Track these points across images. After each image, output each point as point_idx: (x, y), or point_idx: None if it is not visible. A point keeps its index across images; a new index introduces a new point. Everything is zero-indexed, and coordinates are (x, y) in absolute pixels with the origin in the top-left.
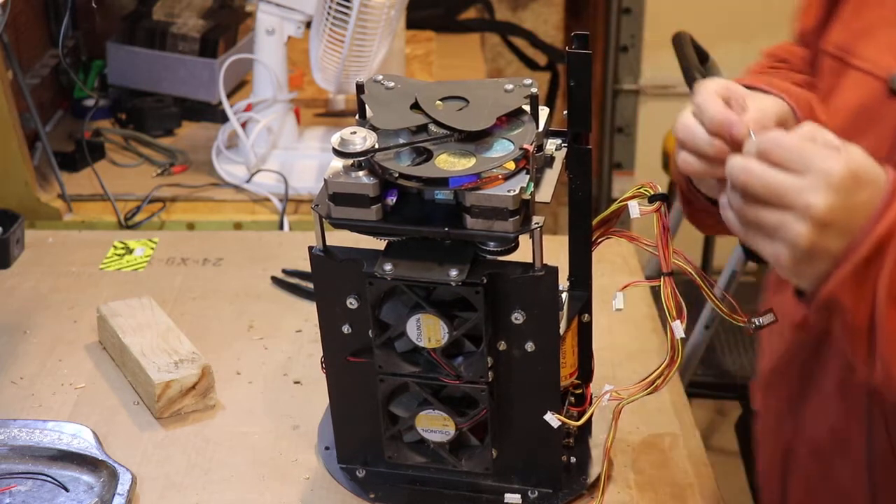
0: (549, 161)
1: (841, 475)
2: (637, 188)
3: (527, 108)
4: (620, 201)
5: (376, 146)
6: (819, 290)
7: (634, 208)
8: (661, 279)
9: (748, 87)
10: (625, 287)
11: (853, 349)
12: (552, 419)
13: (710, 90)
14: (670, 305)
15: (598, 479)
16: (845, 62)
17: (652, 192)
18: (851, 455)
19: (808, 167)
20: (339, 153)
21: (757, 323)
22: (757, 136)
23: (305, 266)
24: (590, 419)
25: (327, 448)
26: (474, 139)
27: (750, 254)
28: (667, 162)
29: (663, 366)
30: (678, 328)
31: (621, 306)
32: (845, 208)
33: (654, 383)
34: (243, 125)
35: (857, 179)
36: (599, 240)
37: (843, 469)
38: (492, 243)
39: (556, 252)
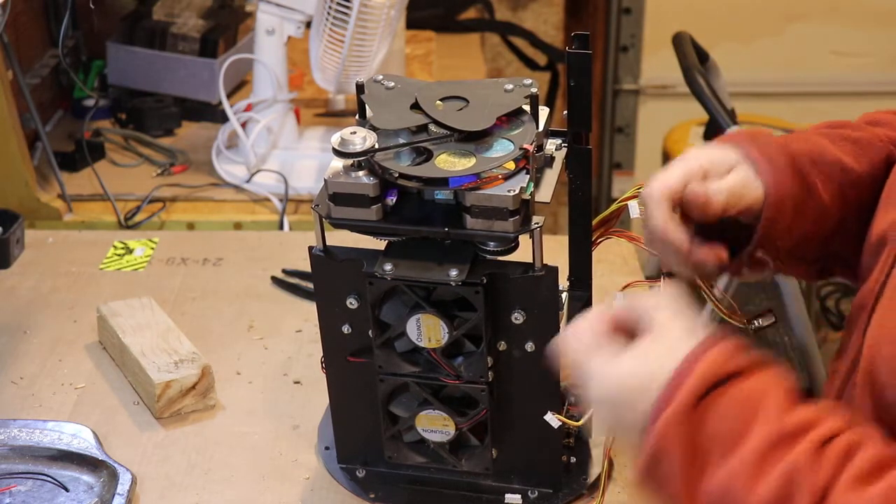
0: (549, 161)
1: None
2: (637, 188)
3: (527, 108)
4: (620, 201)
5: (376, 146)
6: None
7: (634, 208)
8: (661, 279)
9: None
10: (625, 287)
11: None
12: (552, 419)
13: (657, 196)
14: None
15: (598, 479)
16: None
17: None
18: None
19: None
20: (339, 153)
21: (756, 324)
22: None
23: (305, 266)
24: (590, 419)
25: (327, 448)
26: (474, 139)
27: None
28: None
29: None
30: None
31: None
32: (616, 419)
33: None
34: (243, 125)
35: (621, 394)
36: (599, 240)
37: None
38: (492, 243)
39: (556, 252)
